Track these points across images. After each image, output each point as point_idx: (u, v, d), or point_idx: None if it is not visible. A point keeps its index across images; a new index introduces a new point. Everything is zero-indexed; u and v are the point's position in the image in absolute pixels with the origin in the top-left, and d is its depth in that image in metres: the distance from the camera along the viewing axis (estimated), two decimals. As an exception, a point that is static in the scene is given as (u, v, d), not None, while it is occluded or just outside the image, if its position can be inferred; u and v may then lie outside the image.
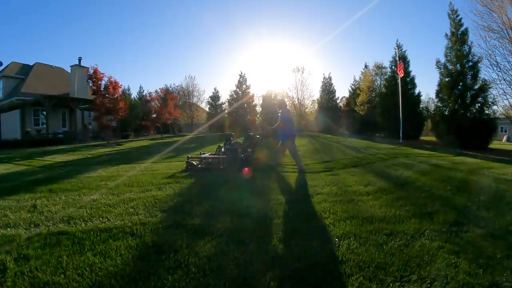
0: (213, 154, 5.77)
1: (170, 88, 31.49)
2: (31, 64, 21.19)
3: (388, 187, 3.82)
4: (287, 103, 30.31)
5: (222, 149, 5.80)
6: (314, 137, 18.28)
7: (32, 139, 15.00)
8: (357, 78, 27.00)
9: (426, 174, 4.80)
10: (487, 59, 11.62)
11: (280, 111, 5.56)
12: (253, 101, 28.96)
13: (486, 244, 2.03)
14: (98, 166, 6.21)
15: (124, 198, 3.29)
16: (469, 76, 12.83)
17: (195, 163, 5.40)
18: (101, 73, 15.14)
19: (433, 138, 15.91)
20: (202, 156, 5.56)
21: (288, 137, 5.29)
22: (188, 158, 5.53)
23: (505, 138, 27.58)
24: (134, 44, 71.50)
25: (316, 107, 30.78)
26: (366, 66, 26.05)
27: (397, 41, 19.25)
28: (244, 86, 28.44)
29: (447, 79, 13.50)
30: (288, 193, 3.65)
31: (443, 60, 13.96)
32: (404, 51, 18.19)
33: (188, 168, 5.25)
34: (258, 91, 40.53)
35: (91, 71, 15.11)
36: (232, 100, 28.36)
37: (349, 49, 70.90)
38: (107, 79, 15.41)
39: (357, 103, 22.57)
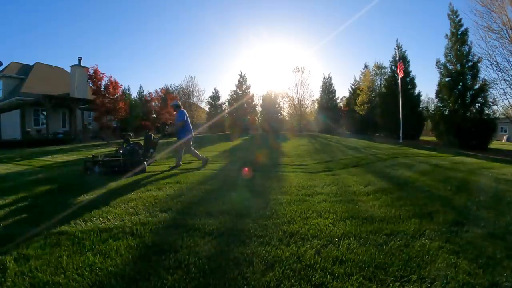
0: (111, 156, 5.58)
1: (170, 88, 31.42)
2: (31, 64, 21.20)
3: (388, 187, 3.82)
4: (287, 103, 30.43)
5: (121, 150, 5.67)
6: (314, 137, 18.30)
7: (32, 139, 15.00)
8: (357, 78, 27.08)
9: (426, 174, 4.80)
10: (487, 59, 11.62)
11: (175, 112, 6.05)
12: (253, 101, 29.02)
13: (486, 244, 2.02)
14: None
15: (124, 198, 3.29)
16: (469, 76, 12.84)
17: (93, 166, 5.11)
18: (101, 73, 15.17)
19: (433, 138, 15.91)
20: (103, 158, 5.34)
21: (184, 135, 5.79)
22: (85, 162, 5.24)
23: (505, 138, 27.58)
24: (134, 44, 71.66)
25: (316, 107, 30.80)
26: (366, 66, 26.10)
27: (397, 41, 19.30)
28: (244, 86, 28.48)
29: (447, 79, 13.51)
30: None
31: (443, 60, 13.98)
32: (404, 51, 18.23)
33: (87, 172, 5.02)
34: (258, 91, 40.68)
35: (91, 71, 15.12)
36: (232, 100, 28.39)
37: (349, 49, 71.13)
38: (107, 79, 15.44)
39: (357, 103, 22.59)
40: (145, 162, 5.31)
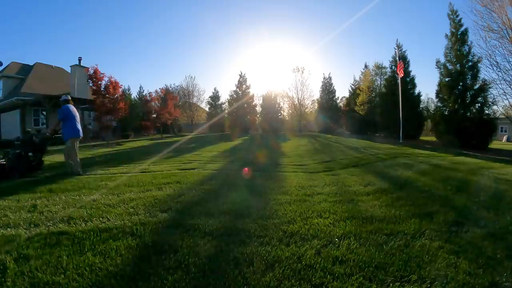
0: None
1: (170, 88, 31.50)
2: (31, 64, 21.17)
3: (388, 187, 3.82)
4: (287, 103, 30.40)
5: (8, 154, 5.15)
6: (314, 137, 18.30)
7: (32, 139, 14.98)
8: (357, 78, 27.09)
9: (426, 174, 4.80)
10: (487, 59, 11.65)
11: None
12: (253, 101, 28.98)
13: (486, 244, 2.03)
14: (97, 166, 6.20)
15: (124, 198, 3.29)
16: (469, 76, 12.84)
17: None
18: (101, 73, 15.13)
19: (433, 138, 15.92)
20: None
21: (67, 136, 5.05)
22: None
23: (505, 138, 27.58)
24: (134, 44, 71.35)
25: (316, 107, 30.81)
26: (366, 66, 26.13)
27: (397, 41, 19.26)
28: (244, 86, 28.44)
29: (447, 79, 13.51)
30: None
31: (443, 60, 13.99)
32: (404, 51, 18.21)
33: None
34: (258, 91, 40.65)
35: (91, 71, 15.10)
36: (232, 100, 28.35)
37: (349, 49, 70.82)
38: (107, 79, 15.40)
39: (357, 103, 22.59)
40: (19, 168, 4.86)
